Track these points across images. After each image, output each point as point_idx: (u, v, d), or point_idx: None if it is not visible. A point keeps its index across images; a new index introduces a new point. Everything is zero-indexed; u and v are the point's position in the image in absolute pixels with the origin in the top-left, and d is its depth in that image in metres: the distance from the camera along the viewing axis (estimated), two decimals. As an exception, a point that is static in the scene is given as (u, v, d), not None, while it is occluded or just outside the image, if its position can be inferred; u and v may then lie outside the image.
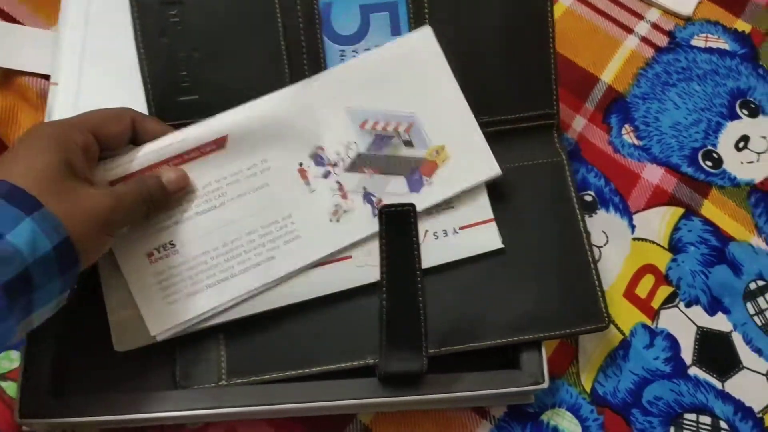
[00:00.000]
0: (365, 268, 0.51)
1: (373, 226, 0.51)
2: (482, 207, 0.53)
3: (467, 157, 0.53)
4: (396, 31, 0.55)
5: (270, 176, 0.51)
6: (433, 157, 0.52)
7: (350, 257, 0.51)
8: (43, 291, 0.38)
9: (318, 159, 0.51)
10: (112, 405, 0.47)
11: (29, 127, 0.56)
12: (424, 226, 0.52)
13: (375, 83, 0.53)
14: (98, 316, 0.48)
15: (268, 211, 0.50)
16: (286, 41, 0.53)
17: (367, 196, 0.52)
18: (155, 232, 0.49)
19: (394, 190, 0.51)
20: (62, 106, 0.54)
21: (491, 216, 0.53)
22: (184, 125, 0.51)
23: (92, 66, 0.55)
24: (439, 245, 0.52)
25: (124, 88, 0.54)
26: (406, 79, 0.53)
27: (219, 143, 0.50)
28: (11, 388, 0.51)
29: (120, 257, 0.48)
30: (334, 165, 0.52)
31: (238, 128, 0.50)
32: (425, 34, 0.54)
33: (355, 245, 0.51)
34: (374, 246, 0.51)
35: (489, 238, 0.53)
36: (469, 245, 0.53)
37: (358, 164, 0.52)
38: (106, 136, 0.46)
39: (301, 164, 0.51)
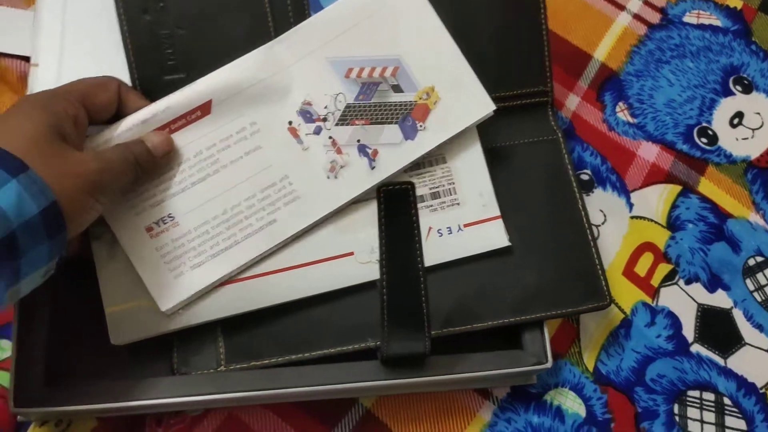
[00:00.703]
0: (368, 265, 0.50)
1: (372, 179, 0.50)
2: (489, 203, 0.52)
3: (459, 95, 0.51)
4: (387, 8, 0.54)
5: (261, 138, 0.49)
6: (423, 99, 0.51)
7: (352, 253, 0.50)
8: (30, 256, 0.37)
9: (306, 115, 0.50)
10: (109, 392, 0.45)
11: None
12: (427, 222, 0.51)
13: (353, 29, 0.51)
14: (93, 305, 0.47)
15: (264, 174, 0.49)
16: (273, 17, 0.52)
17: (362, 149, 0.50)
18: (152, 205, 0.48)
19: (389, 140, 0.50)
20: (43, 87, 0.51)
21: (498, 213, 0.52)
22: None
23: (73, 46, 0.53)
24: (443, 243, 0.51)
25: (107, 68, 0.52)
26: (386, 22, 0.51)
27: (203, 109, 0.49)
28: (3, 377, 0.50)
29: (120, 235, 0.47)
30: (324, 120, 0.50)
31: (220, 91, 0.49)
32: None
33: (355, 204, 0.50)
34: (377, 243, 0.50)
35: (495, 236, 0.51)
36: (474, 243, 0.51)
37: (348, 116, 0.50)
38: (94, 105, 0.45)
39: (290, 123, 0.50)
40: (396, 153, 0.50)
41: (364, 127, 0.50)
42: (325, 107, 0.50)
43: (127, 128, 0.47)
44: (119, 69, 0.50)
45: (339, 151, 0.50)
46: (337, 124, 0.50)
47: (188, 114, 0.48)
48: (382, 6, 0.51)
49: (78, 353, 0.48)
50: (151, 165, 0.47)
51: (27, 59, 0.55)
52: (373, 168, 0.50)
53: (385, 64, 0.51)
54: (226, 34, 0.51)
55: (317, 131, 0.50)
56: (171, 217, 0.48)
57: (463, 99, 0.51)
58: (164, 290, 0.47)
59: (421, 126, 0.51)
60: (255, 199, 0.49)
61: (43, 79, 0.53)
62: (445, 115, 0.51)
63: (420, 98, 0.51)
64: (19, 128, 0.39)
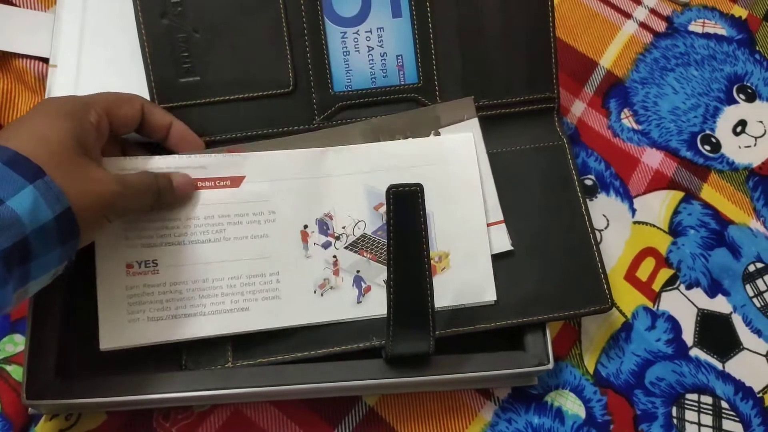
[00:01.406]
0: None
1: (353, 312, 0.50)
2: (492, 208, 0.53)
3: (469, 274, 0.52)
4: (397, 14, 0.55)
5: (272, 229, 0.50)
6: (434, 261, 0.51)
7: None
8: (41, 260, 0.38)
9: (323, 226, 0.51)
10: (118, 386, 0.46)
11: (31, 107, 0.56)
12: None
13: (403, 171, 0.52)
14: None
15: (258, 262, 0.49)
16: (288, 22, 0.53)
17: (358, 281, 0.51)
18: (144, 245, 0.48)
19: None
20: (62, 88, 0.54)
21: (501, 218, 0.53)
22: (186, 107, 0.51)
23: (91, 48, 0.55)
24: None
25: (124, 70, 0.54)
26: (434, 178, 0.52)
27: (234, 181, 0.50)
28: (16, 371, 0.51)
29: (99, 260, 0.47)
30: (337, 238, 0.51)
31: (257, 173, 0.50)
32: (467, 140, 0.54)
33: (331, 326, 0.50)
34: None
35: (498, 240, 0.52)
36: None
37: (359, 245, 0.51)
38: (118, 117, 0.46)
39: (306, 227, 0.51)
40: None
41: (369, 262, 0.51)
42: (343, 227, 0.51)
43: (158, 167, 0.48)
44: (136, 71, 0.52)
45: (336, 273, 0.51)
46: (346, 248, 0.51)
47: (219, 179, 0.49)
48: (436, 163, 0.53)
49: (89, 348, 0.48)
50: (169, 201, 0.48)
51: (45, 60, 0.56)
52: (359, 302, 0.50)
53: None
54: (240, 38, 0.52)
55: (326, 245, 0.51)
56: (155, 263, 0.48)
57: (470, 278, 0.52)
58: (113, 329, 0.47)
59: None
60: (239, 281, 0.49)
61: (61, 79, 0.54)
62: (447, 284, 0.51)
63: (432, 259, 0.51)
64: (42, 135, 0.40)
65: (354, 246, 0.51)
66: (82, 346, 0.49)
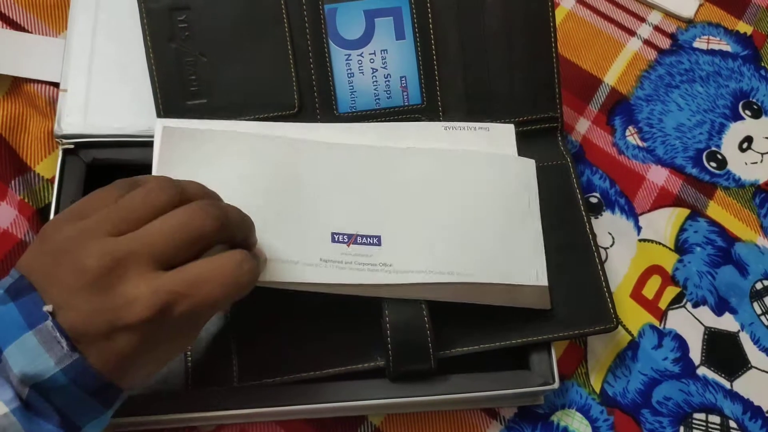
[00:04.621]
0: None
1: None
2: None
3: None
4: (400, 36, 0.55)
5: None
6: None
7: None
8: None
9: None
10: (124, 407, 0.46)
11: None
12: None
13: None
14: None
15: None
16: (293, 46, 0.54)
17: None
18: None
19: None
20: (72, 112, 0.54)
21: None
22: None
23: (101, 72, 0.56)
24: None
25: (133, 93, 0.55)
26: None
27: None
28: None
29: None
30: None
31: None
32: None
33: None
34: None
35: None
36: None
37: None
38: None
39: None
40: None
41: None
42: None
43: None
44: (146, 94, 0.53)
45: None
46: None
47: None
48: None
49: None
50: None
51: (56, 85, 0.57)
52: None
53: None
54: (247, 62, 0.53)
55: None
56: None
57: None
58: None
59: None
60: None
61: (71, 104, 0.55)
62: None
63: None
64: None
65: None
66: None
